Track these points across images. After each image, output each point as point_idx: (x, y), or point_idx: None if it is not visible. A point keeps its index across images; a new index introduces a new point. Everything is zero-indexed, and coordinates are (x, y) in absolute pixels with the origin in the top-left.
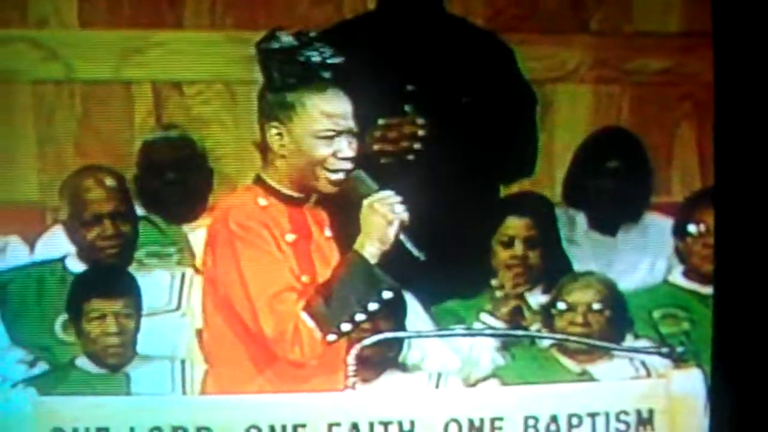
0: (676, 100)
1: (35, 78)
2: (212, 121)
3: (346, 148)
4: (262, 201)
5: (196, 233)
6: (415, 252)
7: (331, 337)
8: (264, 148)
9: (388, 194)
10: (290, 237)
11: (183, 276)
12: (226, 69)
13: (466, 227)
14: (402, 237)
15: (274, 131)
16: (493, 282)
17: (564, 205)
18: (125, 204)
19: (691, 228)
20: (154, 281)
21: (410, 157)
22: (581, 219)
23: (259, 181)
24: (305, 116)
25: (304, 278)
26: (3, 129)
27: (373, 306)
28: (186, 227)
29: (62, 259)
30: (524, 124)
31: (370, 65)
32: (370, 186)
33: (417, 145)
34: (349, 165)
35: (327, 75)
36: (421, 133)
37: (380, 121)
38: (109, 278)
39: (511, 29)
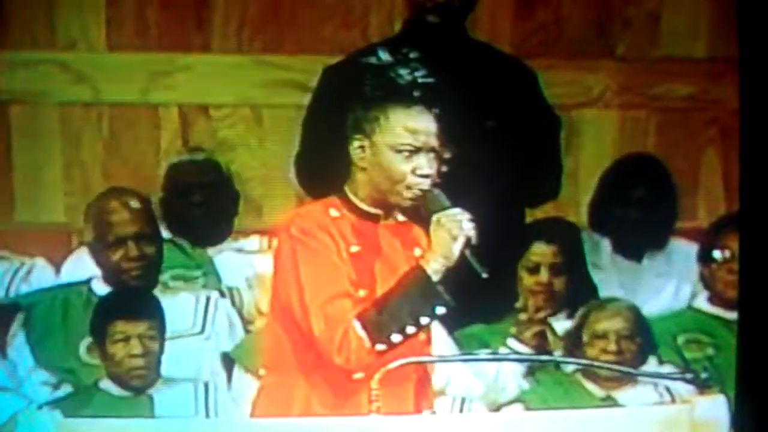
0: (701, 125)
1: (63, 100)
2: (238, 145)
3: (425, 165)
4: (334, 212)
5: (222, 256)
6: (479, 269)
7: (380, 347)
8: (348, 162)
9: (456, 211)
10: (354, 248)
11: (208, 299)
12: (253, 92)
13: (491, 252)
14: (467, 254)
15: (356, 143)
16: (518, 307)
17: (589, 230)
18: (150, 226)
19: (716, 253)
20: (179, 304)
21: (436, 180)
22: (606, 244)
23: (340, 193)
24: (388, 130)
25: (362, 292)
26: (30, 151)
27: (425, 320)
28: (211, 250)
29: (88, 282)
30: (549, 149)
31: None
32: (442, 202)
33: (443, 169)
34: (427, 182)
35: (416, 93)
36: (446, 156)
37: None
38: (133, 300)
39: (536, 54)
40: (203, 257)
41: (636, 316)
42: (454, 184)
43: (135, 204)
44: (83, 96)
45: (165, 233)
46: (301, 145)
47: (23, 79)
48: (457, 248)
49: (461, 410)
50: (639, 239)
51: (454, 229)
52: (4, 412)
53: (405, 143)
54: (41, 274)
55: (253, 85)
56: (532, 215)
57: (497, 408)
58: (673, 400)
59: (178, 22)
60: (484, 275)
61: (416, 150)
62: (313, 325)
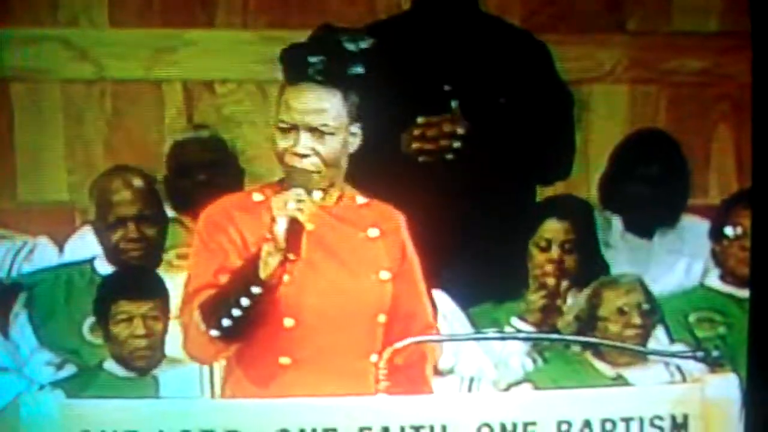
0: (713, 101)
1: (65, 77)
2: (243, 121)
3: (299, 143)
4: (257, 196)
5: None
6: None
7: (214, 333)
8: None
9: (296, 192)
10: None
11: None
12: (258, 68)
13: (503, 229)
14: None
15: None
16: (529, 285)
17: (600, 207)
18: (152, 206)
19: (728, 231)
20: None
21: (449, 156)
22: (617, 222)
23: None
24: (279, 107)
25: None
26: (33, 129)
27: (245, 301)
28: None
29: (91, 261)
30: (561, 125)
31: (405, 65)
32: (300, 183)
33: (456, 144)
34: (302, 161)
35: (311, 72)
36: (459, 132)
37: (419, 120)
38: (136, 280)
39: (547, 29)
40: None
41: (645, 291)
42: (466, 161)
43: (138, 183)
44: (86, 73)
45: (169, 211)
46: None
47: (25, 57)
48: (280, 228)
49: (470, 390)
50: (650, 216)
51: (280, 209)
52: (7, 393)
53: (282, 119)
54: (44, 253)
55: (259, 60)
56: (542, 194)
57: (506, 388)
58: (684, 379)
59: None
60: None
61: (292, 127)
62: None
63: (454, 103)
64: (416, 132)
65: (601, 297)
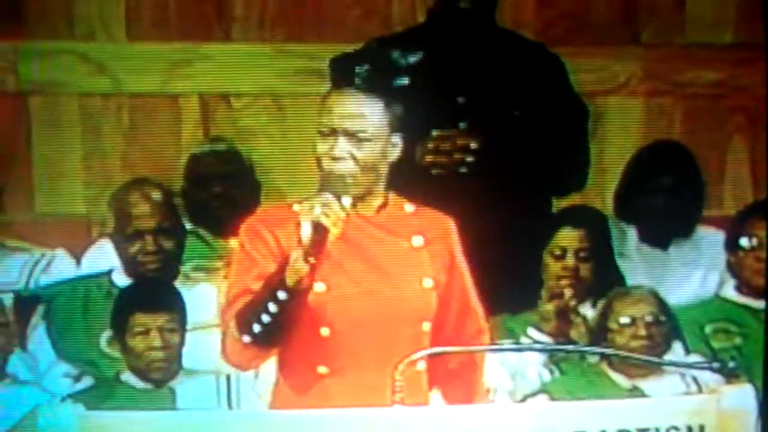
0: (728, 112)
1: (82, 91)
2: (260, 134)
3: (336, 148)
4: (297, 207)
5: None
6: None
7: (246, 339)
8: None
9: (326, 197)
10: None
11: None
12: (274, 82)
13: (518, 240)
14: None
15: None
16: (543, 294)
17: (615, 218)
18: (170, 219)
19: (744, 242)
20: (201, 295)
21: (462, 169)
22: (632, 232)
23: None
24: (321, 111)
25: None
26: (50, 142)
27: (273, 307)
28: (233, 241)
29: (108, 273)
30: (576, 137)
31: (420, 78)
32: (331, 189)
33: (469, 158)
34: (338, 165)
35: (357, 81)
36: (473, 145)
37: (433, 133)
38: (152, 292)
39: (561, 42)
40: (225, 248)
41: (660, 302)
42: (481, 173)
43: (157, 196)
44: (103, 86)
45: (186, 224)
46: None
47: (43, 70)
48: (305, 232)
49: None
50: (665, 228)
51: (306, 214)
52: (26, 405)
53: (322, 123)
54: (61, 266)
55: (275, 74)
56: (557, 206)
57: (522, 399)
58: (700, 390)
59: (198, 11)
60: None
61: (331, 132)
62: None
63: (466, 118)
64: (430, 145)
65: (611, 308)
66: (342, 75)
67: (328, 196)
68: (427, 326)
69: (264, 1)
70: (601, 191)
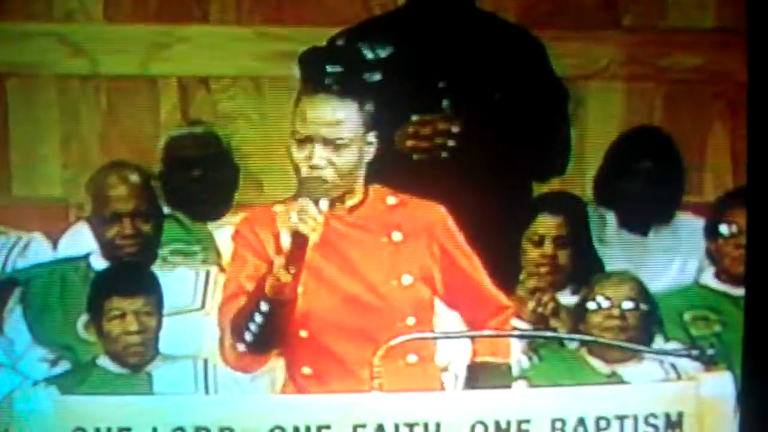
0: (709, 98)
1: (60, 73)
2: (239, 118)
3: (315, 155)
4: (278, 207)
5: (222, 231)
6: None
7: (240, 347)
8: None
9: (301, 203)
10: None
11: (207, 274)
12: (253, 64)
13: (497, 225)
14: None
15: None
16: (523, 281)
17: (594, 204)
18: (147, 202)
19: (723, 229)
20: (179, 279)
21: (444, 154)
22: (612, 218)
23: None
24: (295, 117)
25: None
26: (27, 124)
27: (258, 317)
28: (211, 225)
29: (86, 257)
30: (556, 121)
31: (400, 62)
32: (308, 194)
33: (450, 142)
34: (317, 173)
35: (328, 81)
36: (454, 130)
37: (413, 118)
38: (129, 276)
39: (542, 25)
40: (203, 232)
41: (641, 288)
42: (462, 157)
43: (135, 179)
44: (81, 68)
45: (164, 207)
46: None
47: (19, 52)
48: (284, 242)
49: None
50: (645, 213)
51: (284, 222)
52: (1, 389)
53: (298, 131)
54: (38, 249)
55: (254, 56)
56: (538, 191)
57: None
58: (679, 377)
59: None
60: None
61: (307, 139)
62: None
63: (446, 101)
64: (410, 130)
65: (592, 291)
66: (313, 75)
67: (305, 201)
68: (411, 321)
69: None
70: (582, 176)
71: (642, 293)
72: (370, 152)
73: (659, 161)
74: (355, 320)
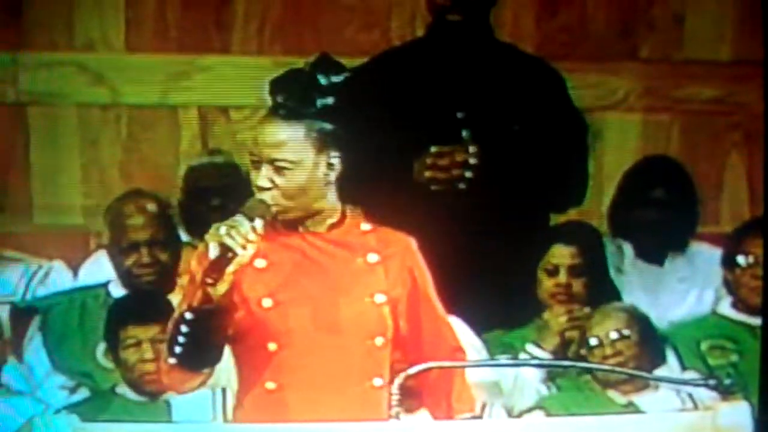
0: (725, 129)
1: (81, 102)
2: None
3: (262, 177)
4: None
5: None
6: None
7: (171, 360)
8: None
9: (235, 219)
10: (260, 263)
11: None
12: None
13: (514, 256)
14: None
15: None
16: (539, 311)
17: (610, 233)
18: (165, 231)
19: (740, 259)
20: None
21: (461, 185)
22: (628, 248)
23: None
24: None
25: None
26: (48, 153)
27: (183, 328)
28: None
29: (105, 285)
30: (575, 152)
31: (419, 93)
32: (249, 213)
33: (468, 173)
34: (267, 195)
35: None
36: (472, 161)
37: (432, 149)
38: (144, 305)
39: (559, 57)
40: None
41: (631, 316)
42: (480, 188)
43: (152, 208)
44: (102, 97)
45: (184, 236)
46: None
47: (41, 81)
48: (211, 253)
49: (482, 415)
50: (661, 243)
51: (212, 236)
52: (21, 416)
53: (251, 153)
54: (59, 277)
55: None
56: (555, 221)
57: (518, 414)
58: (696, 407)
59: (197, 22)
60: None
61: (257, 161)
62: None
63: (465, 133)
64: (429, 161)
65: (588, 325)
66: (271, 101)
67: (237, 219)
68: (380, 341)
69: (263, 13)
70: (599, 206)
71: (630, 321)
72: (332, 174)
73: (674, 191)
74: (327, 335)
